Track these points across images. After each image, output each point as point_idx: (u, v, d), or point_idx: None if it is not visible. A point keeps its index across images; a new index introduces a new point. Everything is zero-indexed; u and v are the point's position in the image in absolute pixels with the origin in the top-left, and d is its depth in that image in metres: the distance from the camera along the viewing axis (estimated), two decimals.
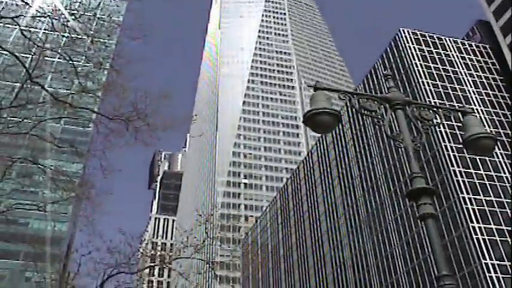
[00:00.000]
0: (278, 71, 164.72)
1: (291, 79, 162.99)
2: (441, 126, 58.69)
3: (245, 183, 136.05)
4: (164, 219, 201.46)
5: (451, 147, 59.71)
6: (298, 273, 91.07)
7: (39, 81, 15.95)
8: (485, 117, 63.53)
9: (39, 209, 23.21)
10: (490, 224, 54.44)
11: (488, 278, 50.11)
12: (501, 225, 54.43)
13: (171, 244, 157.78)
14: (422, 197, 6.52)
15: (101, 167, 18.16)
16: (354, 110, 7.05)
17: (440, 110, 7.77)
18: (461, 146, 58.28)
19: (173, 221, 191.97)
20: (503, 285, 49.63)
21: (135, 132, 16.20)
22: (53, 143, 19.65)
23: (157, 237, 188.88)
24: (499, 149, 60.22)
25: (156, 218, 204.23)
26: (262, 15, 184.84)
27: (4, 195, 24.17)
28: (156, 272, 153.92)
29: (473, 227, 53.50)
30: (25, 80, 15.93)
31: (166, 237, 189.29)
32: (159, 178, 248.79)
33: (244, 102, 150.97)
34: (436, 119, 7.49)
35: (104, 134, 17.20)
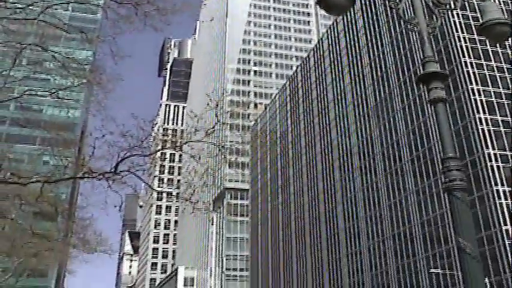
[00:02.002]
0: None
1: None
2: (455, 16, 56.94)
3: (255, 71, 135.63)
4: (175, 106, 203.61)
5: (464, 37, 58.35)
6: (305, 158, 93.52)
7: None
8: (501, 5, 61.15)
9: (51, 95, 23.45)
10: (496, 115, 54.73)
11: (489, 166, 51.37)
12: (507, 116, 54.71)
13: (182, 130, 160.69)
14: (433, 81, 6.58)
15: (111, 53, 18.12)
16: None
17: None
18: (474, 36, 56.99)
19: (183, 107, 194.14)
20: (503, 174, 51.02)
21: (144, 17, 15.97)
22: (62, 28, 19.44)
23: (168, 124, 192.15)
24: None
25: (166, 105, 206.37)
26: None
27: (16, 82, 24.35)
28: (167, 156, 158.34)
29: (480, 118, 53.90)
30: None
31: (177, 124, 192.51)
32: (169, 65, 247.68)
33: None
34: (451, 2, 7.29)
35: (113, 20, 16.98)
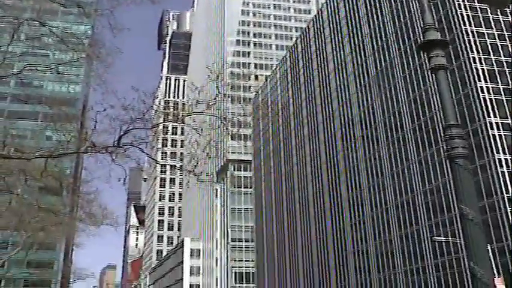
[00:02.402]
0: None
1: None
2: None
3: (255, 42, 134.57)
4: (175, 78, 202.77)
5: (464, 5, 57.59)
6: (307, 129, 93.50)
7: None
8: None
9: (51, 70, 23.36)
10: (498, 83, 54.40)
11: (491, 135, 51.33)
12: (508, 84, 54.37)
13: (183, 103, 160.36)
14: (434, 49, 6.54)
15: (109, 26, 17.99)
16: None
17: None
18: (474, 4, 56.21)
19: (184, 80, 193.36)
20: (504, 142, 50.99)
21: None
22: (59, 2, 19.26)
23: (169, 97, 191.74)
24: None
25: (167, 78, 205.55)
26: None
27: (15, 58, 24.24)
28: (170, 129, 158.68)
29: (481, 86, 53.60)
30: None
31: (178, 97, 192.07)
32: (168, 38, 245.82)
33: None
34: None
35: None
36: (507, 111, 52.80)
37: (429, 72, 59.81)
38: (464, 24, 56.48)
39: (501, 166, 49.93)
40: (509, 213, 48.11)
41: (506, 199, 48.63)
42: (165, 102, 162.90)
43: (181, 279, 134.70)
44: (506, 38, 57.30)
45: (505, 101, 53.39)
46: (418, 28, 62.89)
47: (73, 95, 71.58)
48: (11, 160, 21.47)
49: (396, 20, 68.61)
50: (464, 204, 5.65)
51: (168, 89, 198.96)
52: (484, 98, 53.07)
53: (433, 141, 58.81)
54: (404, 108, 65.26)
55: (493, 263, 35.25)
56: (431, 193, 58.61)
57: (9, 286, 55.87)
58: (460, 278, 51.80)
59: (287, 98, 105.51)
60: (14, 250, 40.04)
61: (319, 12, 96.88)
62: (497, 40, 57.07)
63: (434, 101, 58.48)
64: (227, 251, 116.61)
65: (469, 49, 55.26)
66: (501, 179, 49.43)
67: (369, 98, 73.45)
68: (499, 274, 37.99)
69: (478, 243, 5.47)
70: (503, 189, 49.07)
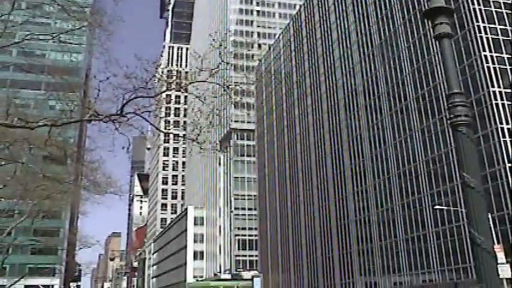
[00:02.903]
0: None
1: None
2: None
3: (258, 11, 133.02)
4: (178, 47, 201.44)
5: None
6: (310, 98, 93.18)
7: None
8: None
9: (53, 39, 23.21)
10: (502, 53, 53.82)
11: (494, 104, 51.10)
12: None
13: (186, 72, 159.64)
14: (439, 16, 6.48)
15: None
16: None
17: None
18: None
19: (187, 49, 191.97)
20: (507, 111, 50.80)
21: None
22: None
23: (172, 65, 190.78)
24: None
25: (170, 47, 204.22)
26: None
27: (17, 27, 24.09)
28: (173, 97, 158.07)
29: (485, 56, 53.07)
30: None
31: (181, 65, 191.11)
32: (170, 7, 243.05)
33: None
34: None
35: None
36: (511, 80, 52.41)
37: (433, 42, 59.23)
38: None
39: (504, 136, 49.90)
40: (510, 182, 48.30)
41: (508, 168, 48.76)
42: (168, 71, 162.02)
43: (185, 246, 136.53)
44: None
45: (509, 71, 52.97)
46: None
47: (75, 64, 71.29)
48: (14, 129, 21.55)
49: None
50: (466, 172, 5.69)
51: (170, 58, 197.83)
52: (488, 68, 52.65)
53: (436, 111, 58.65)
54: (408, 78, 64.88)
55: (493, 231, 35.59)
56: (433, 162, 58.77)
57: (17, 253, 56.82)
58: (460, 245, 52.38)
59: (290, 67, 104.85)
60: (20, 218, 40.59)
61: None
62: (502, 8, 56.22)
63: (438, 71, 58.08)
64: (230, 219, 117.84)
65: (474, 18, 54.55)
66: (503, 149, 49.48)
67: (373, 68, 72.95)
68: (498, 242, 38.36)
69: (479, 210, 5.54)
70: (506, 158, 49.14)
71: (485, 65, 52.67)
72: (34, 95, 47.97)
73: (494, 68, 52.74)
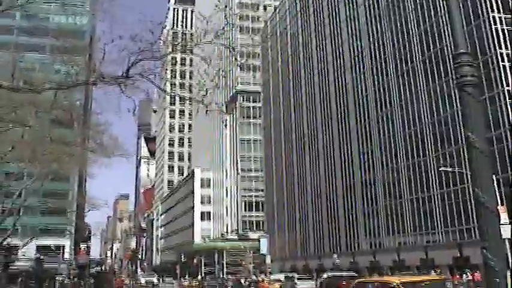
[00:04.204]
0: None
1: None
2: None
3: None
4: (183, 9, 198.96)
5: None
6: (316, 60, 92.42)
7: None
8: None
9: (56, 2, 23.02)
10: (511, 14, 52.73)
11: (501, 66, 50.48)
12: None
13: (191, 34, 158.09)
14: None
15: None
16: None
17: None
18: None
19: (192, 11, 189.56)
20: None
21: None
22: None
23: (177, 27, 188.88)
24: None
25: (174, 9, 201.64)
26: None
27: None
28: (178, 60, 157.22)
29: (493, 17, 52.11)
30: None
31: (186, 27, 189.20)
32: None
33: None
34: None
35: None
36: None
37: (440, 3, 58.10)
38: None
39: (510, 98, 49.49)
40: None
41: None
42: (173, 33, 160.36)
43: (193, 208, 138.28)
44: None
45: None
46: None
47: (80, 27, 70.66)
48: (21, 93, 21.60)
49: None
50: (471, 132, 5.71)
51: (176, 20, 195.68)
52: (496, 29, 51.81)
53: (442, 73, 58.12)
54: (415, 39, 64.05)
55: (497, 192, 35.77)
56: (439, 124, 58.63)
57: (28, 214, 57.81)
58: (464, 207, 52.78)
59: (296, 28, 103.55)
60: (29, 181, 41.15)
61: None
62: None
63: (445, 33, 57.23)
64: (237, 180, 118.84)
65: None
66: (509, 111, 49.16)
67: (379, 30, 71.96)
68: (502, 203, 38.57)
69: (483, 171, 5.59)
70: None
71: (493, 26, 51.83)
72: (39, 59, 47.80)
73: (503, 29, 51.91)
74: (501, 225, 22.79)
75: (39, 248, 72.92)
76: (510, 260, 27.31)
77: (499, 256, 5.17)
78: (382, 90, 70.46)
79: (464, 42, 6.21)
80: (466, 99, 5.85)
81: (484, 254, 5.20)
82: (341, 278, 42.25)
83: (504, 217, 31.84)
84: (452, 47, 6.43)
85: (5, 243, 41.13)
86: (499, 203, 36.43)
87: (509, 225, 32.53)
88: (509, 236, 29.84)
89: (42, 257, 69.19)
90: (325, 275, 48.65)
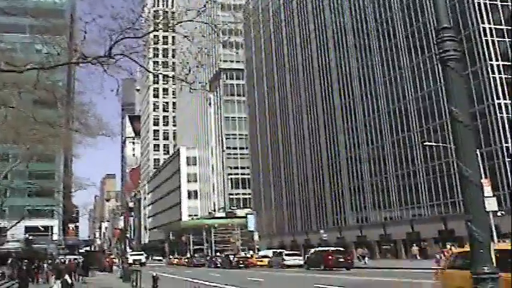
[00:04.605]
0: None
1: None
2: None
3: None
4: None
5: None
6: (299, 37, 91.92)
7: None
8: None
9: None
10: None
11: (484, 41, 50.69)
12: None
13: (173, 12, 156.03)
14: None
15: None
16: None
17: None
18: None
19: None
20: (497, 48, 50.67)
21: None
22: None
23: (158, 6, 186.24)
24: None
25: None
26: None
27: None
28: (160, 38, 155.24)
29: None
30: None
31: (167, 6, 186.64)
32: None
33: None
34: None
35: None
36: (501, 16, 51.83)
37: None
38: None
39: (493, 72, 49.93)
40: (499, 118, 48.77)
41: (496, 104, 49.09)
42: (154, 11, 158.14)
43: (179, 186, 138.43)
44: None
45: (499, 6, 52.27)
46: None
47: (59, 6, 69.40)
48: (2, 73, 21.28)
49: None
50: (455, 107, 5.75)
51: None
52: (479, 3, 51.98)
53: (425, 48, 58.30)
54: (398, 15, 64.01)
55: (481, 166, 36.31)
56: (423, 99, 59.03)
57: (15, 195, 57.44)
58: (449, 181, 53.54)
59: (278, 5, 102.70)
60: (15, 162, 40.82)
61: None
62: None
63: (427, 7, 57.23)
64: (222, 158, 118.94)
65: None
66: (493, 85, 49.61)
67: (361, 5, 71.70)
68: (486, 177, 39.18)
69: (467, 144, 5.63)
70: (495, 95, 49.37)
71: (475, 0, 51.94)
72: (19, 39, 46.96)
73: (485, 4, 52.13)
74: (485, 199, 23.25)
75: (28, 229, 72.71)
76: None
77: (483, 228, 5.27)
78: (365, 67, 70.55)
79: (447, 17, 6.21)
80: (449, 74, 5.88)
81: (469, 227, 5.29)
82: (327, 252, 43.49)
83: (488, 190, 32.40)
84: (435, 22, 6.44)
85: None
86: (483, 176, 36.98)
87: (494, 198, 33.20)
88: (495, 209, 30.45)
89: (31, 237, 69.16)
90: (312, 251, 49.39)
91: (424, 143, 53.34)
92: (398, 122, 63.30)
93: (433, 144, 51.14)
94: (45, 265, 39.70)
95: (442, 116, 54.39)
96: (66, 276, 16.67)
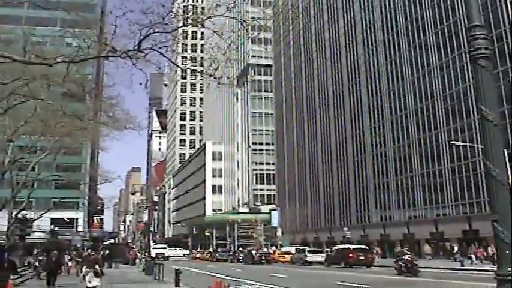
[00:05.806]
0: None
1: None
2: None
3: None
4: None
5: None
6: (328, 33, 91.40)
7: None
8: None
9: None
10: None
11: None
12: None
13: (203, 7, 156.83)
14: None
15: None
16: None
17: None
18: None
19: None
20: None
21: None
22: None
23: (188, 1, 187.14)
24: None
25: None
26: None
27: None
28: (189, 33, 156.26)
29: None
30: None
31: (197, 1, 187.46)
32: None
33: None
34: None
35: None
36: None
37: None
38: None
39: None
40: None
41: None
42: (184, 6, 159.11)
43: (204, 181, 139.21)
44: None
45: None
46: None
47: (90, 0, 70.33)
48: (33, 66, 21.71)
49: None
50: (484, 105, 5.70)
51: None
52: (511, 3, 50.84)
53: (455, 46, 57.35)
54: (428, 12, 63.05)
55: (508, 167, 35.58)
56: (451, 98, 58.13)
57: (42, 187, 58.54)
58: (475, 181, 52.68)
59: (308, 1, 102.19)
60: (43, 154, 41.60)
61: None
62: None
63: (458, 5, 56.25)
64: (248, 154, 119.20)
65: None
66: None
67: (392, 2, 70.84)
68: None
69: (495, 144, 5.58)
70: None
71: None
72: (50, 32, 47.73)
73: None
74: None
75: (53, 221, 74.11)
76: None
77: (509, 229, 5.21)
78: (394, 64, 69.78)
79: (479, 15, 6.14)
80: (479, 72, 5.82)
81: (495, 227, 5.24)
82: (347, 249, 43.91)
83: None
84: (466, 20, 6.36)
85: (19, 215, 41.80)
86: (510, 176, 36.30)
87: None
88: None
89: (56, 229, 70.47)
90: (334, 248, 49.40)
91: (451, 142, 52.52)
92: (425, 120, 62.48)
93: (460, 143, 50.29)
94: (66, 256, 40.32)
95: (470, 114, 53.49)
96: (97, 267, 17.00)
